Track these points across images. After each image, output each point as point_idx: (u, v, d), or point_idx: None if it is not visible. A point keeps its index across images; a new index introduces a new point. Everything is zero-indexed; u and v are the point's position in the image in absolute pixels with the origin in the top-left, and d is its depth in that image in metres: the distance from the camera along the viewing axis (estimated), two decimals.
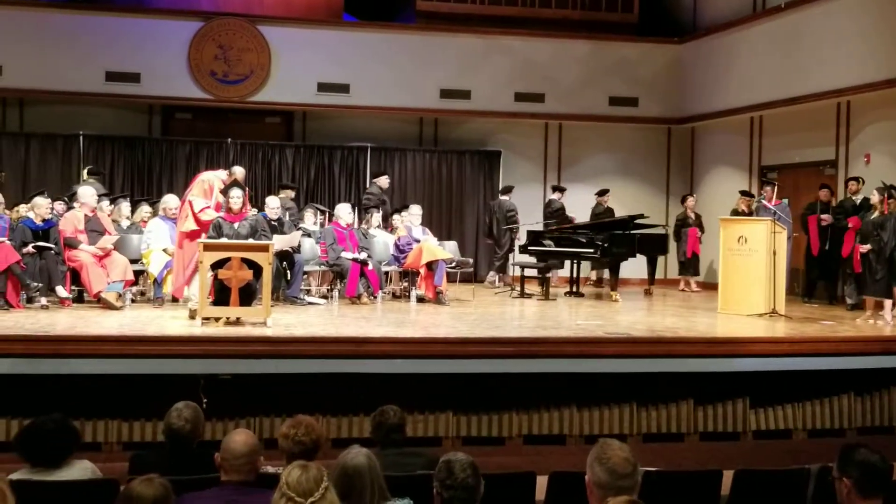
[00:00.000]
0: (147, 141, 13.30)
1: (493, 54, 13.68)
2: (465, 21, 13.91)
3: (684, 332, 8.23)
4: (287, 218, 10.50)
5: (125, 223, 10.23)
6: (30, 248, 8.57)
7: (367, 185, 13.21)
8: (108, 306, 8.52)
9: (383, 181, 11.94)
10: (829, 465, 3.42)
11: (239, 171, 9.62)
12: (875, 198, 9.20)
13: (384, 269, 10.56)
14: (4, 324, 7.26)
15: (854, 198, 10.41)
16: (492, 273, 13.07)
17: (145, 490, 2.97)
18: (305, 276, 10.20)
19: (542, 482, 4.19)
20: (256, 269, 7.77)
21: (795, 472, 4.38)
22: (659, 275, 12.90)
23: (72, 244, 8.77)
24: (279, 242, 9.03)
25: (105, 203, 9.98)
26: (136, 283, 9.51)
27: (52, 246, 8.70)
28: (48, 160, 12.77)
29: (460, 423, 7.22)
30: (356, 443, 3.41)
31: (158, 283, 9.21)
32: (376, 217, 11.15)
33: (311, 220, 10.93)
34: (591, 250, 10.93)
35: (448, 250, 10.94)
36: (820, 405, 7.82)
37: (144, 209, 10.59)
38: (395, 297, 11.02)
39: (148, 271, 9.39)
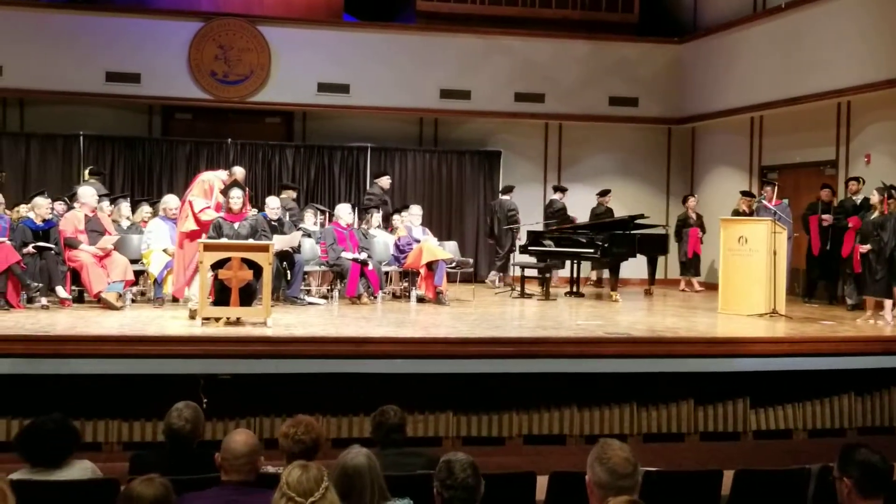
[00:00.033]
0: (147, 141, 13.31)
1: (493, 54, 13.68)
2: (465, 21, 13.91)
3: (684, 332, 8.22)
4: (287, 218, 10.50)
5: (125, 223, 10.23)
6: (30, 249, 8.57)
7: (368, 186, 13.23)
8: (109, 306, 8.52)
9: (385, 181, 11.94)
10: (830, 466, 3.42)
11: (239, 172, 9.62)
12: (875, 198, 9.21)
13: (384, 269, 10.56)
14: (5, 324, 7.26)
15: (854, 198, 10.40)
16: (493, 272, 13.07)
17: (146, 490, 2.97)
18: (305, 277, 10.20)
19: (542, 482, 4.19)
20: (256, 270, 7.77)
21: (796, 472, 4.38)
22: (659, 275, 12.89)
23: (72, 244, 8.77)
24: (279, 242, 9.03)
25: (105, 203, 9.99)
26: (136, 283, 9.52)
27: (53, 246, 8.70)
28: (48, 160, 12.77)
29: (460, 423, 7.22)
30: (356, 443, 3.41)
31: (159, 283, 9.21)
32: (376, 217, 11.15)
33: (311, 220, 10.93)
34: (592, 250, 10.93)
35: (448, 250, 10.94)
36: (820, 405, 7.82)
37: (145, 209, 10.59)
38: (395, 297, 11.02)
39: (148, 271, 9.39)
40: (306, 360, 6.91)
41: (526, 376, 7.32)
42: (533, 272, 11.39)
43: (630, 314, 9.56)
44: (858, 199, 10.28)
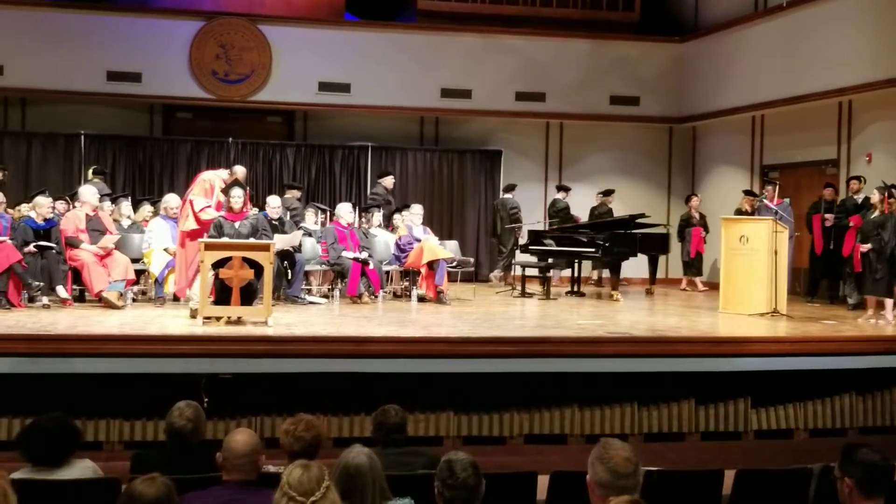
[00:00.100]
0: (148, 140, 13.32)
1: (494, 53, 13.68)
2: (466, 20, 13.91)
3: (686, 331, 8.22)
4: (288, 217, 10.50)
5: (126, 222, 10.23)
6: (31, 248, 8.57)
7: (369, 185, 13.25)
8: (110, 305, 8.53)
9: (388, 181, 11.93)
10: (831, 465, 3.42)
11: (240, 171, 9.63)
12: (875, 197, 9.20)
13: (385, 268, 10.56)
14: (6, 323, 7.26)
15: (856, 197, 10.40)
16: (497, 271, 13.05)
17: (147, 489, 2.97)
18: (306, 276, 10.20)
19: (543, 482, 4.19)
20: (257, 269, 7.77)
21: (797, 472, 4.38)
22: (660, 274, 12.89)
23: (73, 243, 8.78)
24: (280, 242, 9.03)
25: (106, 202, 9.99)
26: (137, 282, 9.52)
27: (54, 245, 8.71)
28: (50, 159, 12.78)
29: (461, 423, 7.21)
30: (357, 442, 3.42)
31: (160, 282, 9.22)
32: (377, 216, 11.15)
33: (311, 219, 10.93)
34: (593, 250, 10.92)
35: (449, 250, 10.94)
36: (821, 405, 7.81)
37: (146, 209, 10.60)
38: (395, 296, 11.02)
39: (149, 271, 9.39)
40: (307, 360, 6.91)
41: (527, 376, 7.32)
42: (534, 271, 11.38)
43: (631, 314, 9.56)
44: (860, 198, 10.27)
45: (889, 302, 8.95)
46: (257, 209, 9.95)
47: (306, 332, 7.41)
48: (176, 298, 9.06)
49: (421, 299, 10.16)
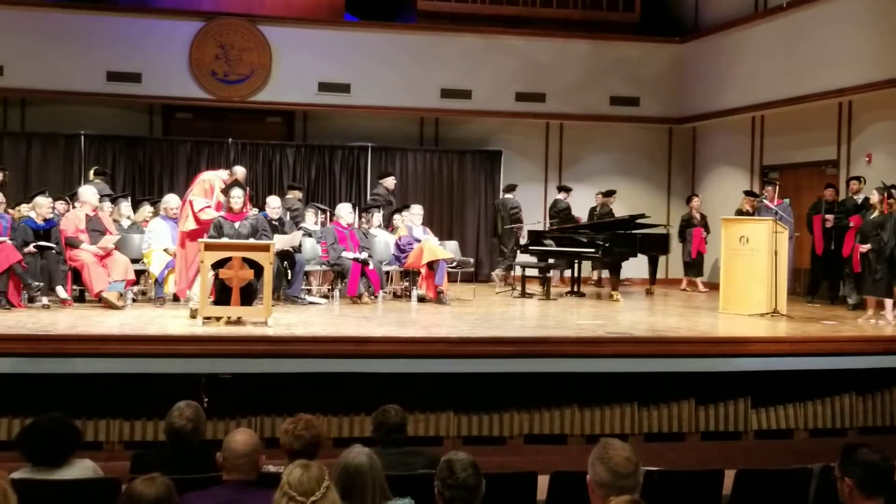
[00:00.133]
0: (148, 141, 13.32)
1: (494, 54, 13.68)
2: (466, 21, 13.91)
3: (686, 331, 8.22)
4: (288, 218, 10.50)
5: (126, 223, 10.23)
6: (31, 248, 8.57)
7: (369, 185, 13.25)
8: (110, 306, 8.53)
9: (390, 182, 11.93)
10: (831, 465, 3.42)
11: (240, 171, 9.62)
12: (875, 197, 9.21)
13: (385, 268, 10.56)
14: (6, 323, 7.26)
15: (856, 197, 10.40)
16: (498, 270, 13.04)
17: (147, 489, 2.97)
18: (306, 276, 10.20)
19: (543, 482, 4.19)
20: (257, 269, 7.77)
21: (797, 472, 4.38)
22: (660, 275, 12.88)
23: (73, 244, 8.78)
24: (280, 242, 9.03)
25: (106, 203, 9.99)
26: (137, 282, 9.52)
27: (54, 245, 8.70)
28: (49, 160, 12.78)
29: (461, 423, 7.21)
30: (357, 442, 3.42)
31: (159, 282, 9.22)
32: (377, 217, 11.15)
33: (311, 219, 10.93)
34: (593, 250, 10.92)
35: (449, 250, 10.94)
36: (821, 405, 7.81)
37: (146, 209, 10.60)
38: (395, 296, 11.02)
39: (149, 271, 9.39)
40: (307, 360, 6.91)
41: (527, 376, 7.32)
42: (534, 272, 11.38)
43: (631, 314, 9.56)
44: (859, 198, 10.27)
45: (889, 302, 8.95)
46: (257, 209, 9.95)
47: (306, 333, 7.41)
48: (176, 298, 9.06)
49: (421, 299, 10.16)
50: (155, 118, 13.72)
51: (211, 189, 8.74)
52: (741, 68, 12.81)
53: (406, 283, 10.98)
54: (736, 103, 12.95)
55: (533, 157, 14.53)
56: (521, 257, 11.99)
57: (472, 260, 12.30)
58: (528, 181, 14.01)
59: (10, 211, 9.49)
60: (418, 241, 10.44)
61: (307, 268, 10.04)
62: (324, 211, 11.62)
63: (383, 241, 10.85)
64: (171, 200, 9.76)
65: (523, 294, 11.06)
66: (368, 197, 12.48)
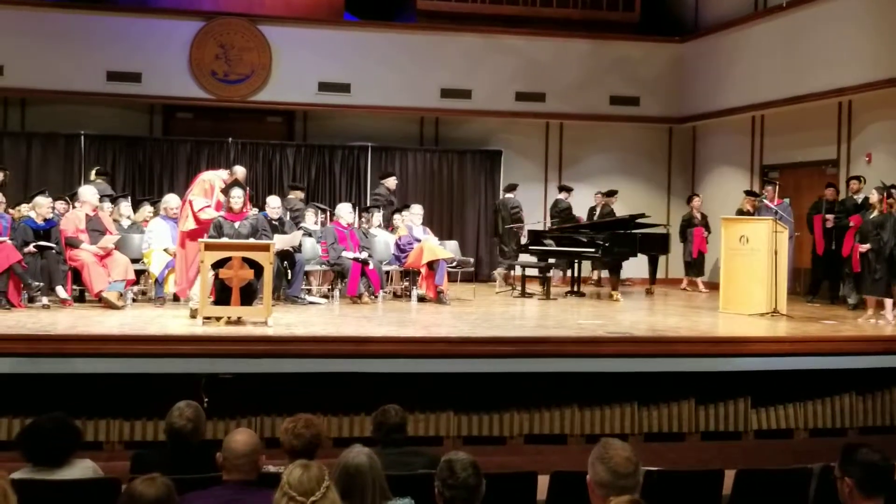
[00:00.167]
0: (148, 140, 13.32)
1: (494, 53, 13.68)
2: (466, 20, 13.91)
3: (686, 331, 8.22)
4: (287, 218, 10.50)
5: (126, 223, 10.23)
6: (31, 248, 8.57)
7: (369, 185, 13.25)
8: (110, 306, 8.53)
9: (391, 182, 11.92)
10: (831, 465, 3.42)
11: (240, 171, 9.62)
12: (874, 197, 9.21)
13: (385, 268, 10.56)
14: (6, 323, 7.26)
15: (856, 197, 10.39)
16: (500, 270, 13.01)
17: (147, 489, 2.97)
18: (306, 276, 10.20)
19: (543, 482, 4.19)
20: (257, 269, 7.77)
21: (797, 472, 4.38)
22: (660, 274, 12.88)
23: (73, 244, 8.78)
24: (280, 242, 9.03)
25: (106, 203, 10.00)
26: (137, 282, 9.52)
27: (54, 245, 8.70)
28: (50, 160, 12.79)
29: (461, 423, 7.21)
30: (357, 442, 3.42)
31: (160, 282, 9.22)
32: (377, 216, 11.16)
33: (311, 219, 10.93)
34: (593, 250, 10.92)
35: (449, 250, 10.94)
36: (821, 405, 7.81)
37: (147, 209, 10.60)
38: (395, 296, 11.02)
39: (149, 271, 9.39)
40: (307, 360, 6.91)
41: (527, 376, 7.32)
42: (534, 271, 11.38)
43: (631, 313, 9.56)
44: (860, 198, 10.27)
45: (888, 302, 8.95)
46: (257, 209, 9.95)
47: (306, 333, 7.41)
48: (176, 298, 9.06)
49: (421, 299, 10.16)
50: (155, 118, 13.73)
51: (211, 189, 8.74)
52: (741, 68, 12.81)
53: (406, 283, 10.98)
54: (736, 103, 12.95)
55: (533, 156, 14.53)
56: (522, 257, 11.99)
57: (472, 260, 12.30)
58: (528, 181, 14.01)
59: (10, 211, 9.50)
60: (418, 240, 10.44)
61: (307, 268, 10.04)
62: (324, 211, 11.62)
63: (383, 241, 10.85)
64: (171, 200, 9.77)
65: (523, 294, 11.06)
66: (370, 197, 12.48)
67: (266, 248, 7.76)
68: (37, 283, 8.35)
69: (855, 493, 3.13)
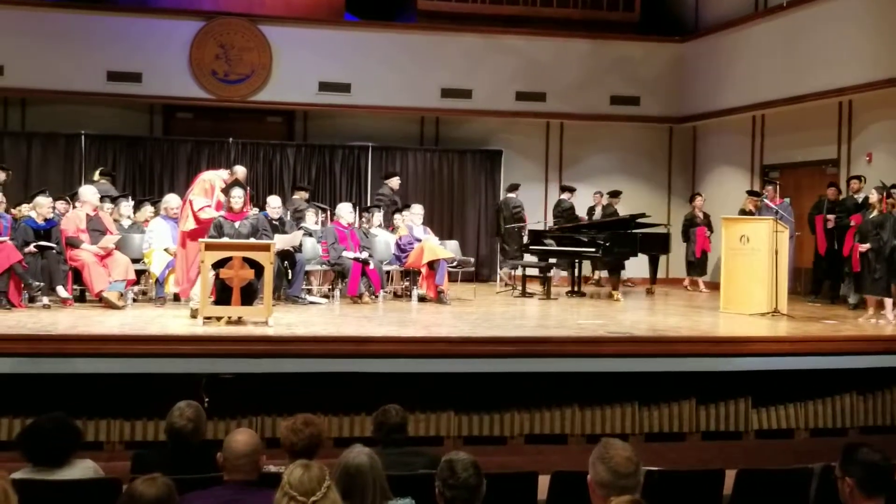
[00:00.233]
0: (148, 140, 13.32)
1: (495, 53, 13.68)
2: (467, 20, 13.91)
3: (686, 331, 8.22)
4: (288, 217, 10.50)
5: (126, 223, 10.24)
6: (31, 248, 8.57)
7: (370, 185, 13.26)
8: (110, 306, 8.53)
9: (394, 182, 11.92)
10: (832, 465, 3.42)
11: (240, 171, 9.62)
12: (874, 197, 9.21)
13: (385, 268, 10.56)
14: (6, 323, 7.26)
15: (856, 196, 10.39)
16: (506, 269, 12.99)
17: (148, 489, 2.97)
18: (307, 276, 10.20)
19: (543, 482, 4.19)
20: (258, 269, 7.77)
21: (798, 472, 4.38)
22: (660, 274, 12.88)
23: (73, 244, 8.78)
24: (280, 242, 9.03)
25: (107, 203, 10.00)
26: (137, 282, 9.52)
27: (54, 245, 8.70)
28: (50, 160, 12.79)
29: (462, 423, 7.21)
30: (358, 442, 3.42)
31: (160, 282, 9.22)
32: (377, 216, 11.16)
33: (312, 219, 10.93)
34: (593, 250, 10.91)
35: (449, 249, 10.94)
36: (822, 404, 7.81)
37: (148, 209, 10.60)
38: (396, 296, 11.02)
39: (149, 271, 9.39)
40: (308, 360, 6.91)
41: (527, 376, 7.32)
42: (535, 271, 11.37)
43: (632, 313, 9.56)
44: (860, 197, 10.26)
45: (888, 301, 8.95)
46: (257, 209, 9.94)
47: (307, 332, 7.41)
48: (177, 298, 9.06)
49: (421, 299, 10.16)
50: (155, 118, 13.73)
51: (211, 189, 8.74)
52: (741, 68, 12.80)
53: (406, 283, 10.98)
54: (736, 103, 12.95)
55: (533, 156, 14.53)
56: (525, 257, 11.98)
57: (472, 259, 12.29)
58: (528, 181, 14.00)
59: (12, 211, 9.50)
60: (419, 240, 10.44)
61: (308, 267, 10.04)
62: (324, 210, 11.62)
63: (384, 241, 10.85)
64: (171, 200, 9.76)
65: (524, 294, 11.06)
66: (373, 197, 12.47)
67: (266, 247, 7.76)
68: (37, 283, 8.35)
69: (856, 492, 3.13)
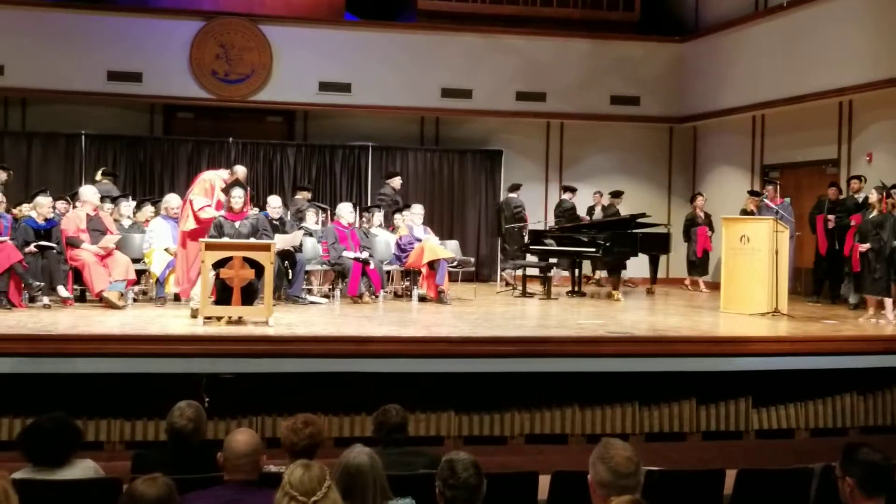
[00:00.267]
0: (149, 140, 13.32)
1: (495, 53, 13.68)
2: (467, 20, 13.91)
3: (687, 331, 8.22)
4: (289, 217, 10.50)
5: (127, 222, 10.24)
6: (32, 248, 8.57)
7: (370, 185, 13.25)
8: (111, 305, 8.53)
9: (396, 182, 11.92)
10: (832, 465, 3.42)
11: (241, 171, 9.62)
12: (874, 197, 9.21)
13: (386, 268, 10.56)
14: (7, 323, 7.26)
15: (856, 196, 10.39)
16: (508, 270, 12.98)
17: (148, 489, 2.97)
18: (307, 276, 10.20)
19: (544, 482, 4.18)
20: (258, 269, 7.77)
21: (798, 472, 4.38)
22: (661, 274, 12.87)
23: (74, 243, 8.78)
24: (281, 242, 9.03)
25: (107, 202, 10.00)
26: (137, 282, 9.52)
27: (55, 245, 8.70)
28: (50, 159, 12.79)
29: (462, 423, 7.21)
30: (358, 442, 3.42)
31: (160, 282, 9.22)
32: (378, 216, 11.16)
33: (312, 219, 10.93)
34: (593, 250, 10.91)
35: (449, 249, 10.94)
36: (822, 404, 7.81)
37: (148, 209, 10.60)
38: (396, 296, 11.02)
39: (150, 271, 9.39)
40: (308, 360, 6.91)
41: (528, 376, 7.32)
42: (535, 271, 11.37)
43: (632, 313, 9.56)
44: (860, 197, 10.26)
45: (888, 301, 8.95)
46: (258, 209, 9.94)
47: (307, 332, 7.41)
48: (177, 298, 9.06)
49: (422, 299, 10.16)
50: (156, 118, 13.73)
51: (211, 188, 8.74)
52: (741, 67, 12.80)
53: (407, 283, 10.98)
54: (736, 103, 12.94)
55: (533, 156, 14.52)
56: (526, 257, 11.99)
57: (472, 259, 12.29)
58: (528, 181, 13.98)
59: (14, 211, 9.50)
60: (419, 240, 10.44)
61: (308, 267, 10.04)
62: (324, 210, 11.62)
63: (384, 241, 10.85)
64: (171, 200, 9.76)
65: (524, 293, 11.06)
66: (375, 197, 12.46)
67: (267, 247, 7.76)
68: (38, 283, 8.35)
69: (856, 492, 3.13)
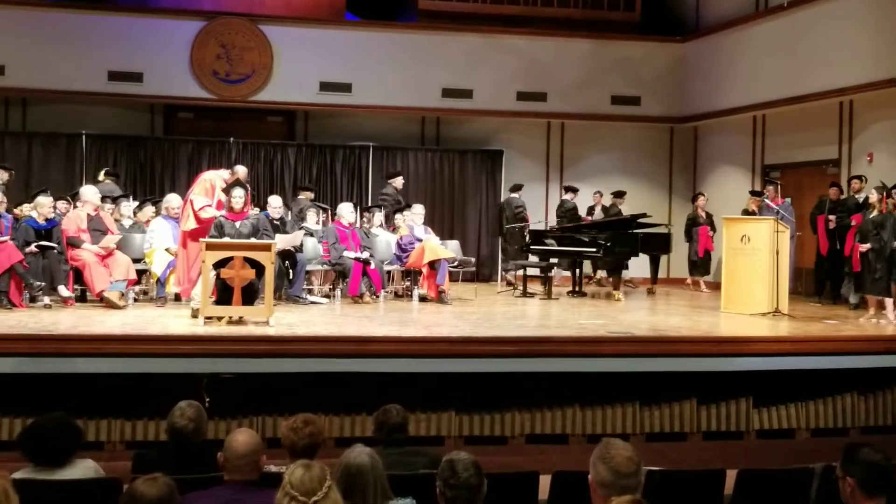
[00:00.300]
0: (149, 140, 13.32)
1: (495, 53, 13.68)
2: (467, 20, 13.91)
3: (687, 331, 8.21)
4: (289, 217, 10.50)
5: (127, 222, 10.24)
6: (32, 248, 8.57)
7: (371, 185, 13.24)
8: (111, 305, 8.53)
9: (398, 182, 11.92)
10: (833, 465, 3.42)
11: (241, 171, 9.62)
12: (874, 197, 9.20)
13: (386, 268, 10.56)
14: (7, 323, 7.27)
15: (857, 196, 10.38)
16: (510, 271, 12.96)
17: (149, 489, 2.97)
18: (308, 276, 10.20)
19: (544, 482, 4.18)
20: (259, 269, 7.77)
21: (799, 472, 4.38)
22: (662, 274, 12.87)
23: (74, 243, 8.78)
24: (281, 242, 9.03)
25: (108, 202, 10.00)
26: (138, 282, 9.53)
27: (55, 245, 8.70)
28: (51, 159, 12.79)
29: (463, 423, 7.21)
30: (359, 442, 3.42)
31: (161, 282, 9.22)
32: (378, 216, 11.15)
33: (313, 219, 10.93)
34: (594, 250, 10.91)
35: (450, 249, 10.94)
36: (823, 404, 7.81)
37: (149, 209, 10.60)
38: (397, 296, 11.01)
39: (150, 271, 9.40)
40: (309, 360, 6.91)
41: (528, 375, 7.32)
42: (536, 271, 11.37)
43: (632, 313, 9.55)
44: (861, 197, 10.25)
45: (889, 301, 8.94)
46: (258, 209, 9.94)
47: (308, 332, 7.41)
48: (177, 298, 9.06)
49: (422, 299, 10.16)
50: (156, 118, 13.74)
51: (212, 188, 8.74)
52: (742, 67, 12.80)
53: (407, 283, 10.98)
54: (737, 103, 12.94)
55: (534, 156, 14.52)
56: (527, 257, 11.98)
57: (473, 259, 12.28)
58: (529, 181, 13.98)
59: (17, 210, 9.51)
60: (419, 240, 10.44)
61: (309, 267, 10.05)
62: (325, 210, 11.62)
63: (385, 241, 10.85)
64: (172, 200, 9.76)
65: (525, 293, 11.05)
66: (377, 196, 12.45)
67: (267, 247, 7.76)
68: (38, 283, 8.35)
69: (857, 492, 3.13)
